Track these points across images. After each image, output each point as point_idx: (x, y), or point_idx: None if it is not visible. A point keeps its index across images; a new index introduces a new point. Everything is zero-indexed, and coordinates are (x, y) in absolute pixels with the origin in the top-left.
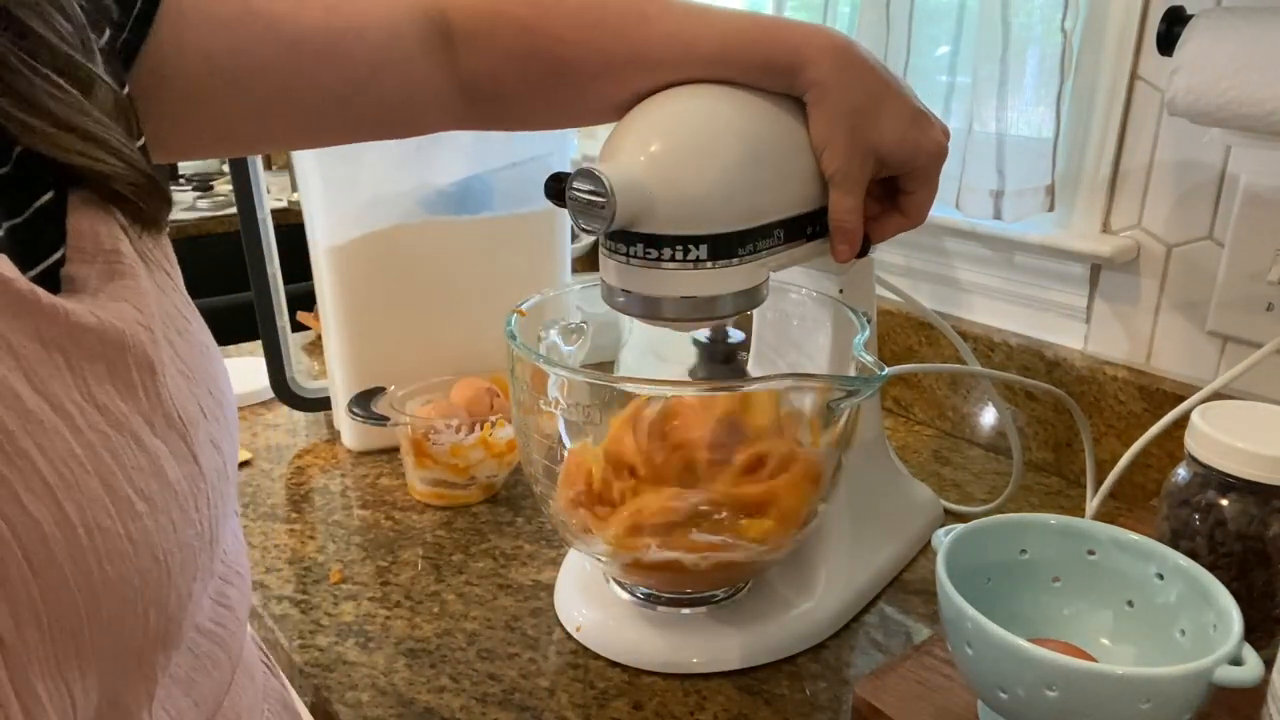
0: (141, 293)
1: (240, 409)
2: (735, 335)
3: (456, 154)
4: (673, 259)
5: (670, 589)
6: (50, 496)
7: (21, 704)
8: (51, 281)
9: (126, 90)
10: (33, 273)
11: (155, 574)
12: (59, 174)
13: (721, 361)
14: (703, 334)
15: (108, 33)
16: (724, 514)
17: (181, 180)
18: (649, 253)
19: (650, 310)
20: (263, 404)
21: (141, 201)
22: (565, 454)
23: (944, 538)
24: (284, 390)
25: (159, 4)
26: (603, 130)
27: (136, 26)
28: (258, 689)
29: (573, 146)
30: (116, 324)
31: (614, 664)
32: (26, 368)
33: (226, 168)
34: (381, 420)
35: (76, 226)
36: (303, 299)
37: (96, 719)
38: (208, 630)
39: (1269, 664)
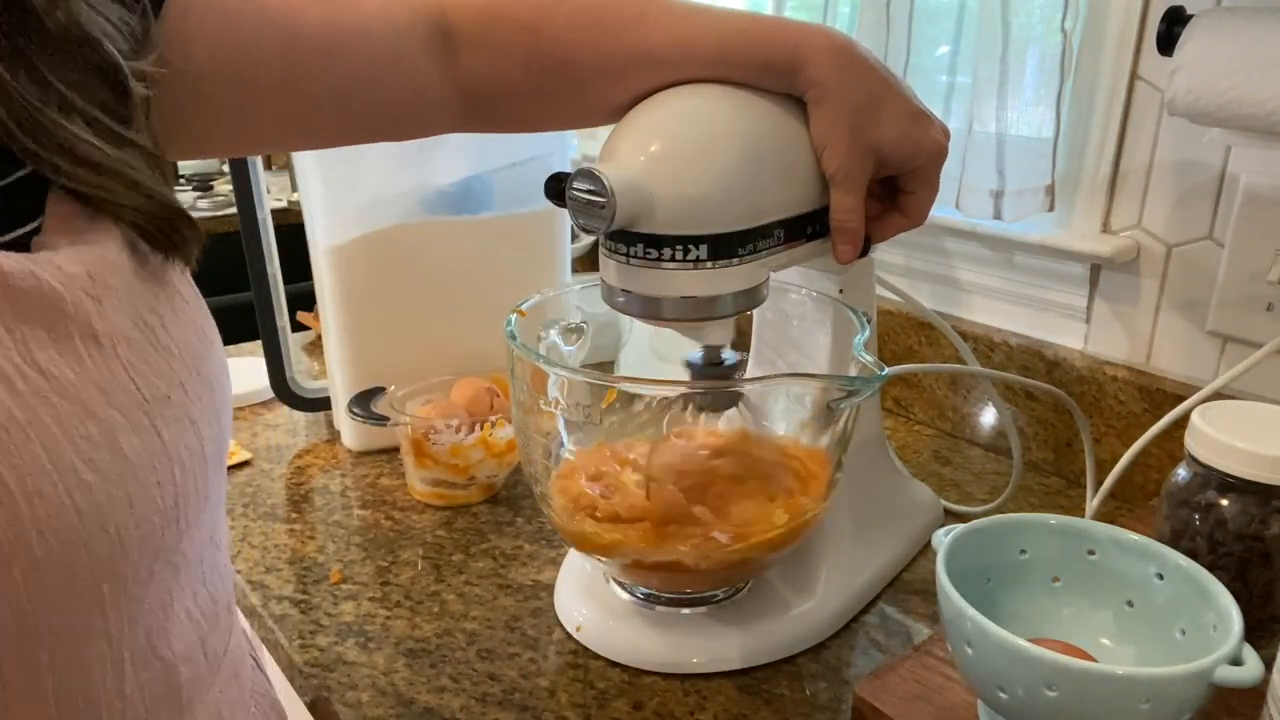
0: (105, 261)
1: (240, 409)
2: (730, 357)
3: (456, 154)
4: (673, 259)
5: (670, 589)
6: None
7: None
8: (22, 250)
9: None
10: (3, 240)
11: (106, 548)
12: None
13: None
14: (695, 355)
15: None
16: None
17: (181, 180)
18: (649, 253)
19: (650, 310)
20: (263, 404)
21: (160, 231)
22: (565, 456)
23: (944, 538)
24: (284, 390)
25: (163, 3)
26: (603, 130)
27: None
28: (243, 685)
29: (573, 146)
30: (57, 287)
31: (614, 664)
32: None
33: (226, 168)
34: (381, 420)
35: (55, 207)
36: (303, 299)
37: (53, 698)
38: (195, 619)
39: (1269, 664)
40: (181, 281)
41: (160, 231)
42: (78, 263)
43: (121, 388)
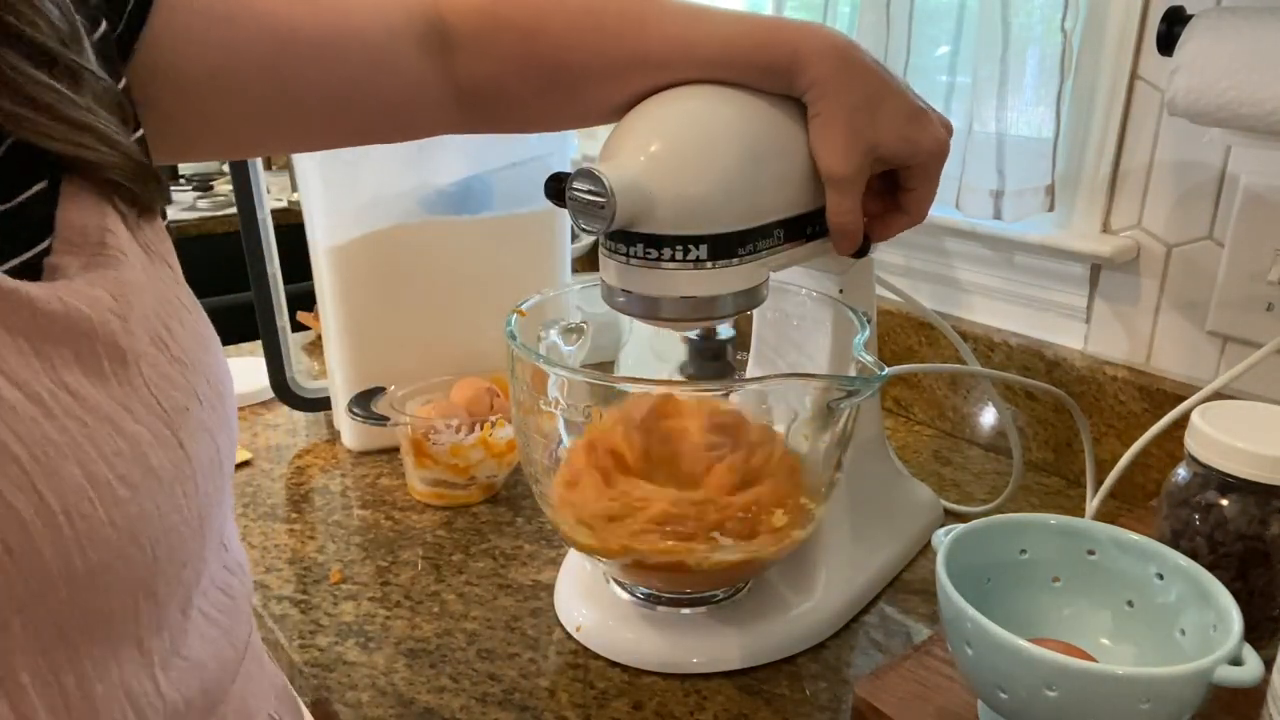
0: (122, 282)
1: (240, 409)
2: (725, 332)
3: (456, 154)
4: (673, 259)
5: (670, 589)
6: (28, 484)
7: (5, 692)
8: (34, 270)
9: (124, 83)
10: (15, 262)
11: (140, 560)
12: (53, 163)
13: (711, 359)
14: (693, 331)
15: (103, 26)
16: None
17: (181, 180)
18: (649, 253)
19: (650, 310)
20: (263, 404)
21: (135, 187)
22: (565, 453)
23: (944, 538)
24: (284, 390)
25: (152, 1)
26: (603, 130)
27: (130, 22)
28: (266, 677)
29: (573, 146)
30: (84, 310)
31: (614, 664)
32: None
33: (226, 168)
34: (381, 420)
35: (66, 218)
36: (303, 299)
37: (102, 704)
38: (213, 618)
39: (1269, 664)
40: (182, 291)
41: (138, 187)
42: (98, 285)
43: (144, 403)
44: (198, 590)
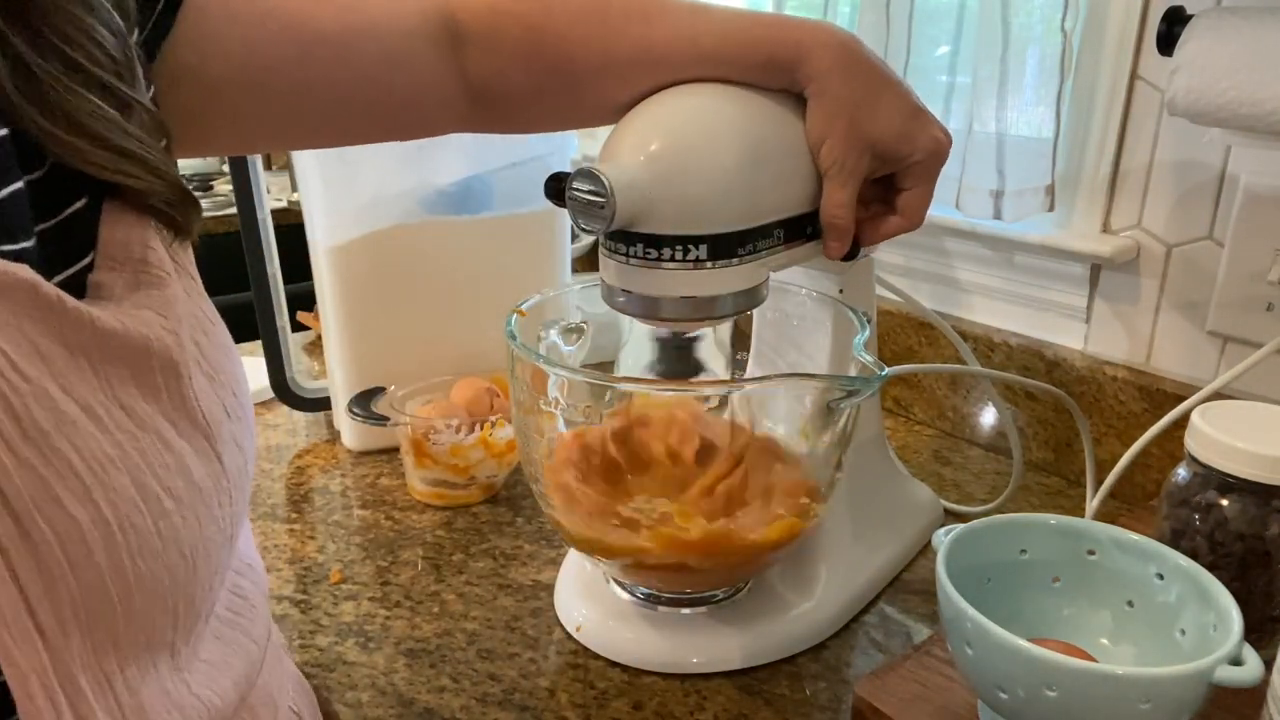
0: (167, 300)
1: None
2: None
3: (456, 154)
4: (673, 259)
5: (670, 589)
6: (86, 496)
7: (68, 698)
8: (77, 287)
9: (152, 92)
10: (60, 277)
11: (182, 569)
12: (94, 180)
13: (676, 350)
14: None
15: (135, 33)
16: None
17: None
18: (649, 253)
19: (650, 310)
20: (263, 404)
21: (174, 213)
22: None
23: (944, 538)
24: (284, 390)
25: (182, 1)
26: (603, 130)
27: (159, 23)
28: (285, 669)
29: (573, 146)
30: (141, 330)
31: (614, 664)
32: (55, 371)
33: (226, 168)
34: (381, 420)
35: (109, 234)
36: (303, 299)
37: (151, 708)
38: (227, 619)
39: (1269, 664)
40: (206, 304)
41: (177, 213)
42: (147, 305)
43: (189, 417)
44: (220, 597)
